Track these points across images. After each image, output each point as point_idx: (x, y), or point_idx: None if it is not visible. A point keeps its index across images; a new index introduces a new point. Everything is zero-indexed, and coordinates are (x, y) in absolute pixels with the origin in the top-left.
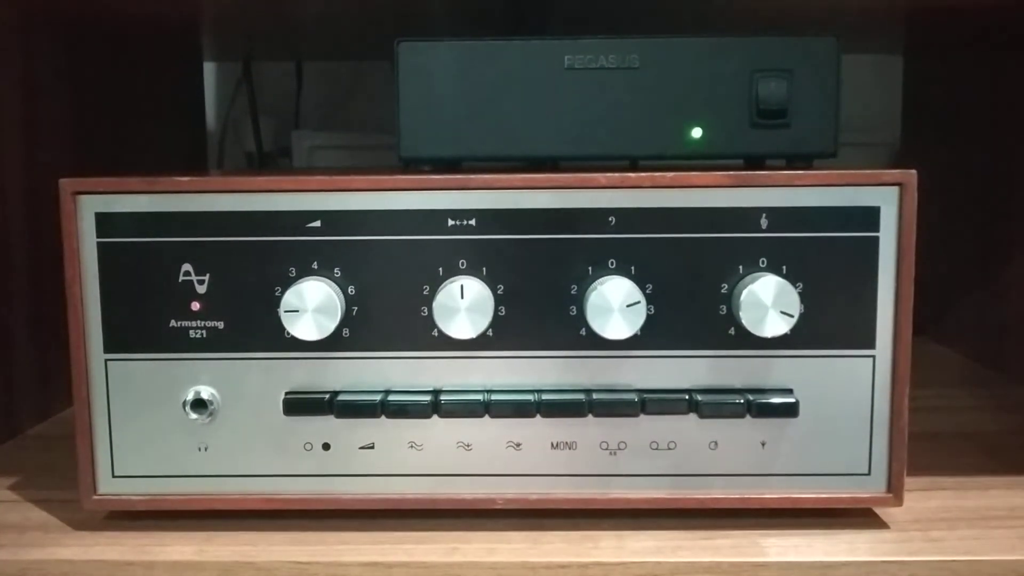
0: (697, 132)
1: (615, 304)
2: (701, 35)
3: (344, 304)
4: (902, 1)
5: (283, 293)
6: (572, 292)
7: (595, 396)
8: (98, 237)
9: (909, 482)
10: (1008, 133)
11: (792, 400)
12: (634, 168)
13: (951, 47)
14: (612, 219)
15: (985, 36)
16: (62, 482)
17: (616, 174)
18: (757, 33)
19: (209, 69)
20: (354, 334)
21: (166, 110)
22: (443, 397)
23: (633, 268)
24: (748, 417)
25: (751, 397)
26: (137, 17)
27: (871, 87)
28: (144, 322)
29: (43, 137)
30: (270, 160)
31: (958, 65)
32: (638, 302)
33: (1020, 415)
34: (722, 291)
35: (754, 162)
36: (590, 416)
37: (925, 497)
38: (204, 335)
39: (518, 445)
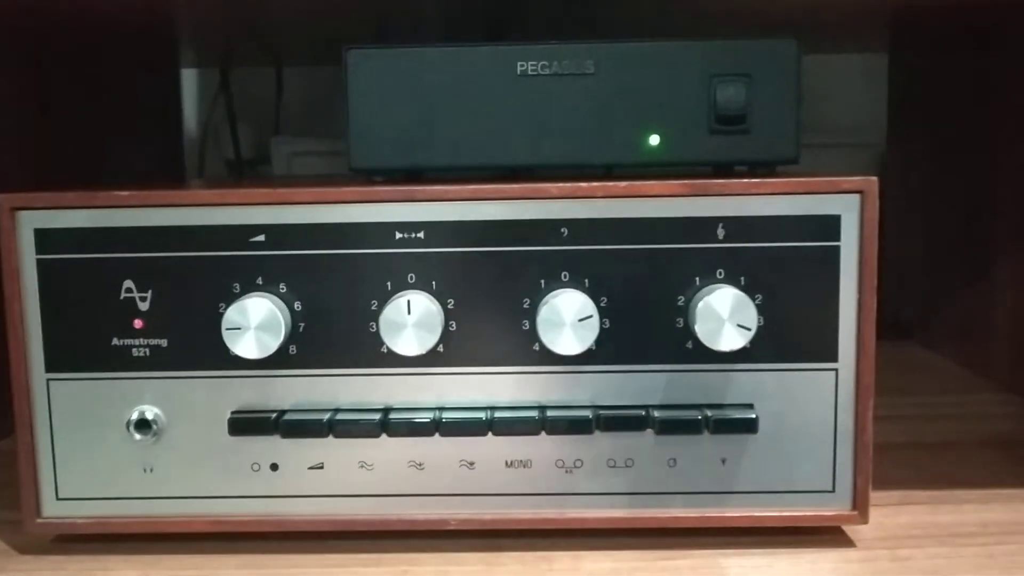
0: (655, 139)
1: (567, 318)
2: (657, 39)
3: (290, 320)
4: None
5: (227, 309)
6: (524, 306)
7: (549, 413)
8: (38, 253)
9: (880, 497)
10: (995, 133)
11: (752, 415)
12: (591, 177)
13: (937, 45)
14: (564, 230)
15: (971, 33)
16: (9, 504)
17: (568, 184)
18: (725, 34)
19: (187, 75)
20: (301, 351)
21: (143, 118)
22: (392, 415)
23: (587, 281)
24: (707, 433)
25: (709, 413)
26: (112, 25)
27: (855, 86)
28: (86, 340)
29: (11, 149)
30: (250, 167)
31: (944, 63)
32: (590, 316)
33: (1001, 425)
34: (678, 303)
35: (718, 169)
36: (544, 434)
37: (896, 512)
38: (147, 353)
39: (471, 464)
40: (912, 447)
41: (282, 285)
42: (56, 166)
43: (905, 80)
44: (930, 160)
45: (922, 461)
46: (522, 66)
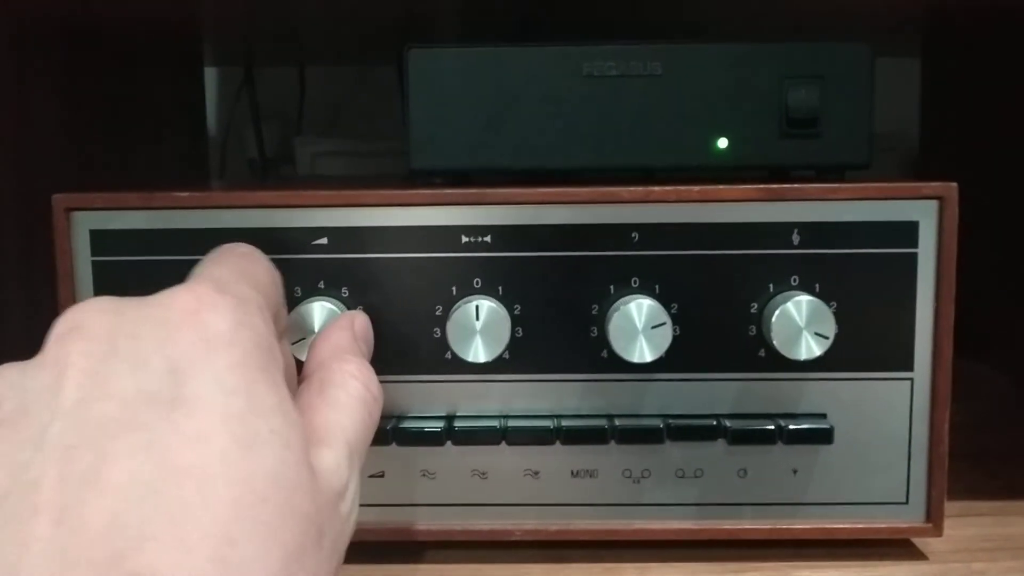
0: (723, 142)
1: (639, 325)
2: (727, 41)
3: None
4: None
5: (288, 314)
6: (593, 312)
7: (618, 422)
8: (93, 256)
9: (946, 507)
10: None
11: (826, 426)
12: (658, 181)
13: (971, 48)
14: (635, 235)
15: (1007, 36)
16: None
17: (639, 188)
18: (785, 34)
19: (210, 74)
20: None
21: (166, 117)
22: (457, 423)
23: (658, 287)
24: (779, 444)
25: (782, 423)
26: (137, 25)
27: (887, 89)
28: None
29: (38, 148)
30: (273, 167)
31: (979, 67)
32: (663, 323)
33: None
34: (752, 311)
35: (782, 173)
36: (612, 443)
37: (962, 524)
38: None
39: (536, 473)
40: (969, 456)
41: (344, 289)
42: (85, 165)
43: (938, 84)
44: (963, 164)
45: (982, 471)
46: (588, 66)
